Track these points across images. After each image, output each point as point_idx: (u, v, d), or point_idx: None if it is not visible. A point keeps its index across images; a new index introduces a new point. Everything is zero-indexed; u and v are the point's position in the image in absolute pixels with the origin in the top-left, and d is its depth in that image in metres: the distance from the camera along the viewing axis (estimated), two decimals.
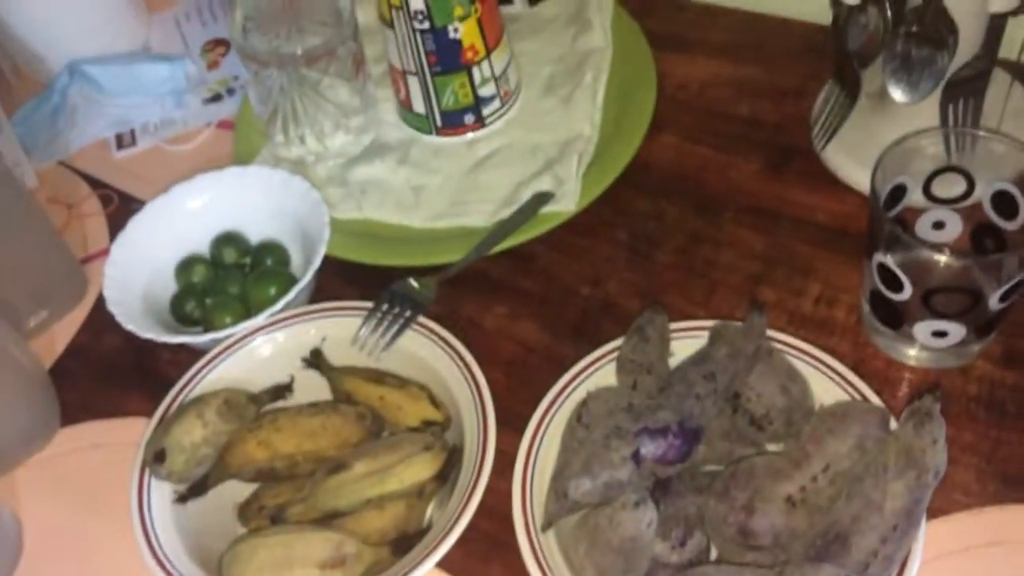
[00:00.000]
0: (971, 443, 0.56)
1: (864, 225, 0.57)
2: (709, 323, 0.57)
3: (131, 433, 0.63)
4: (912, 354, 0.59)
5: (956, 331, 0.55)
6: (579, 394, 0.55)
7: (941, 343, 0.56)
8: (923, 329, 0.56)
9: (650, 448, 0.48)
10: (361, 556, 0.51)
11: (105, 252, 0.69)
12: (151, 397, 0.62)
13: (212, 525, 0.56)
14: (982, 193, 0.56)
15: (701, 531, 0.50)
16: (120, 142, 0.85)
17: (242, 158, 0.76)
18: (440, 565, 0.52)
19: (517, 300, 0.68)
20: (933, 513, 0.52)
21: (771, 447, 0.53)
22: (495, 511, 0.55)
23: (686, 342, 0.57)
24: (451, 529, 0.50)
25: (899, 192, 0.57)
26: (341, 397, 0.59)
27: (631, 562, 0.47)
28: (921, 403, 0.44)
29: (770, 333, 0.55)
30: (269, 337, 0.61)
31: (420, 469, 0.53)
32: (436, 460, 0.53)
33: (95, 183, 0.82)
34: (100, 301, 0.66)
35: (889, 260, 0.54)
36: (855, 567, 0.44)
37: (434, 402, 0.57)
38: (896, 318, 0.57)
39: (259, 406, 0.59)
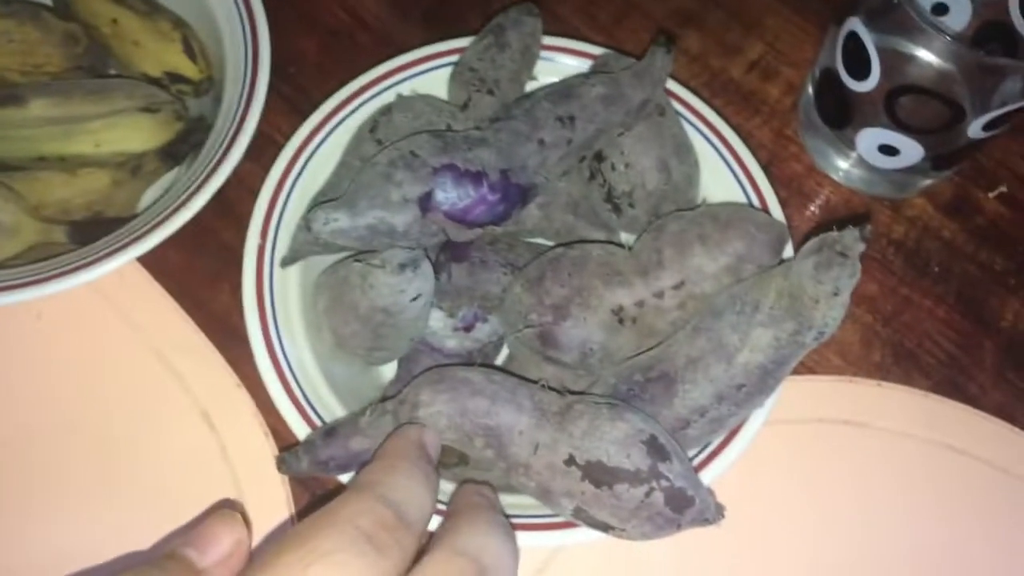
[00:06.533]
0: (872, 296, 0.43)
1: None
2: (598, 51, 0.40)
3: None
4: (843, 167, 0.45)
5: (911, 151, 0.41)
6: (392, 95, 0.39)
7: (886, 162, 0.42)
8: (870, 138, 0.41)
9: (450, 195, 0.33)
10: (18, 230, 0.36)
11: None
12: None
13: None
14: None
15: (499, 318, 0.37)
16: None
17: None
18: (155, 272, 0.38)
19: None
20: (795, 369, 0.39)
21: (625, 237, 0.39)
22: (244, 217, 0.40)
23: (558, 67, 0.40)
24: (162, 221, 0.35)
25: None
26: (60, 5, 0.41)
27: (382, 339, 0.34)
28: (840, 236, 0.30)
29: (672, 85, 0.39)
30: None
31: (130, 135, 0.36)
32: (160, 129, 0.37)
33: None
34: None
35: (864, 30, 0.38)
36: (672, 422, 0.32)
37: (190, 49, 0.40)
38: (843, 114, 0.42)
39: None
